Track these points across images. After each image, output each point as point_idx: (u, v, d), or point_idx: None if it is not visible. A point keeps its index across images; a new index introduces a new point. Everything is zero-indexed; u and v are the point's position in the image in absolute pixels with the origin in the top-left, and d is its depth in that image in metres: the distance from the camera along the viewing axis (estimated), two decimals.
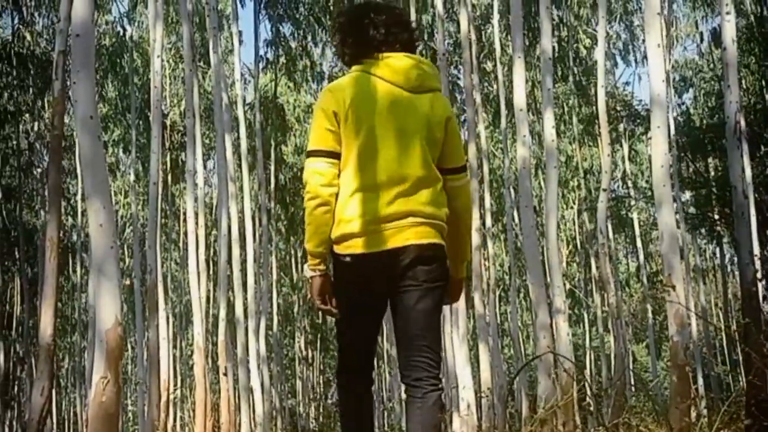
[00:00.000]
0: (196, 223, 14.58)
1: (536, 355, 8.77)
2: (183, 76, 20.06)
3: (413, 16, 17.19)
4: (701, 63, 25.08)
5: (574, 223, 27.25)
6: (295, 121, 26.95)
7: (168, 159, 24.83)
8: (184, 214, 20.99)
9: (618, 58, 26.54)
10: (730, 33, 8.12)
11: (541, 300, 9.02)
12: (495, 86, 21.53)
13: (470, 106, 14.13)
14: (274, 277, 25.43)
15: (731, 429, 6.53)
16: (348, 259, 3.24)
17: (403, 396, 3.36)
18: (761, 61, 19.16)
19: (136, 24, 24.69)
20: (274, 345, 24.26)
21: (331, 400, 32.49)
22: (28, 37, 20.81)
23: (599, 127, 14.66)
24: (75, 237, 26.12)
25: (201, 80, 20.83)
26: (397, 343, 3.32)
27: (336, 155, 3.24)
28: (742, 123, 10.55)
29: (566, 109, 23.81)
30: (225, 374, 13.49)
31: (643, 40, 16.98)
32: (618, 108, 23.28)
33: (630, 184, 27.02)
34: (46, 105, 21.63)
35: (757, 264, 9.02)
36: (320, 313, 3.46)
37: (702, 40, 23.70)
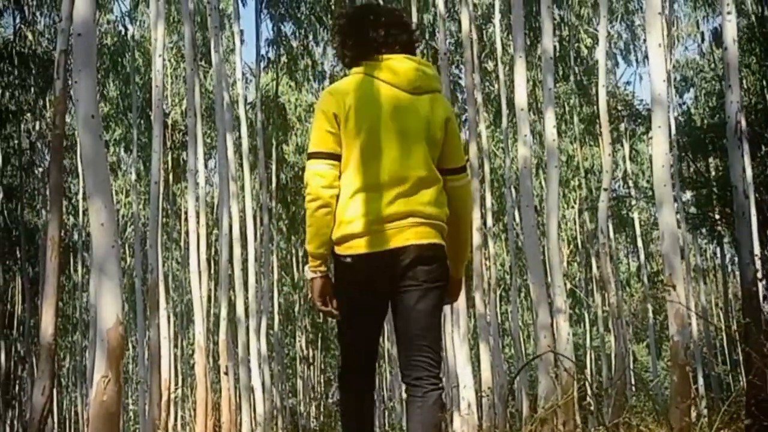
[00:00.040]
0: (198, 223, 14.59)
1: (537, 355, 8.78)
2: (184, 76, 20.06)
3: (415, 16, 17.20)
4: (702, 63, 25.09)
5: (574, 223, 27.25)
6: (296, 120, 26.96)
7: (169, 158, 24.85)
8: (186, 213, 21.01)
9: (619, 58, 26.58)
10: (731, 33, 8.13)
11: (542, 299, 9.03)
12: (496, 86, 21.53)
13: (471, 105, 14.13)
14: (275, 276, 25.44)
15: (731, 429, 6.53)
16: (349, 259, 3.26)
17: (404, 395, 3.37)
18: (762, 61, 19.16)
19: (138, 23, 24.73)
20: (275, 344, 24.27)
21: (332, 400, 32.51)
22: (30, 37, 20.81)
23: (600, 127, 14.67)
24: (76, 236, 26.14)
25: (202, 79, 20.83)
26: (397, 342, 3.33)
27: (336, 157, 3.26)
28: (743, 123, 10.56)
29: (567, 108, 23.81)
30: (226, 373, 13.51)
31: (644, 40, 16.99)
32: (619, 108, 23.27)
33: (631, 183, 27.02)
34: (47, 104, 21.63)
35: (758, 264, 9.03)
36: (321, 313, 3.47)
37: (703, 39, 23.71)
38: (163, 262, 21.44)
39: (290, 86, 26.75)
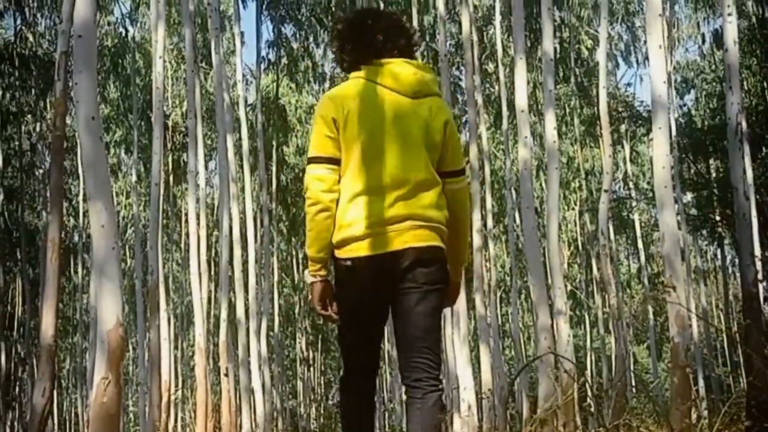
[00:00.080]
0: (198, 224, 14.59)
1: (537, 356, 8.77)
2: (185, 77, 20.05)
3: (415, 17, 17.22)
4: (703, 64, 25.10)
5: (575, 225, 27.25)
6: (296, 121, 26.98)
7: (170, 160, 24.86)
8: (186, 214, 21.01)
9: (619, 60, 26.61)
10: (731, 34, 8.13)
11: (542, 301, 9.02)
12: (496, 87, 21.54)
13: (472, 107, 14.13)
14: (276, 278, 25.44)
15: (732, 430, 6.53)
16: (349, 262, 3.27)
17: (404, 397, 3.38)
18: (763, 63, 19.16)
19: (138, 25, 24.74)
20: (275, 346, 24.27)
21: (332, 401, 32.52)
22: (31, 38, 20.82)
23: (601, 129, 14.67)
24: (76, 238, 26.14)
25: (203, 81, 20.84)
26: (397, 344, 3.34)
27: (336, 161, 3.28)
28: (744, 124, 10.56)
29: (568, 110, 23.81)
30: (226, 375, 13.50)
31: (645, 42, 17.00)
32: (619, 109, 23.26)
33: (631, 185, 27.03)
34: (48, 106, 21.63)
35: (758, 265, 9.02)
36: (321, 317, 3.48)
37: (704, 41, 23.71)
38: (163, 263, 21.44)
39: (291, 88, 26.77)
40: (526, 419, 13.55)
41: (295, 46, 23.79)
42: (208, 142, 23.46)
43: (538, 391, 8.81)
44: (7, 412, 24.60)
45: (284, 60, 23.75)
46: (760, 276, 8.35)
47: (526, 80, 9.80)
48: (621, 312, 18.20)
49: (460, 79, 22.28)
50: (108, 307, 4.84)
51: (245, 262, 16.33)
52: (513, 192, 18.95)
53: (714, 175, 20.76)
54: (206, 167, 22.69)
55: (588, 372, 25.16)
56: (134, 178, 22.04)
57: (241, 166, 17.43)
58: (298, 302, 31.54)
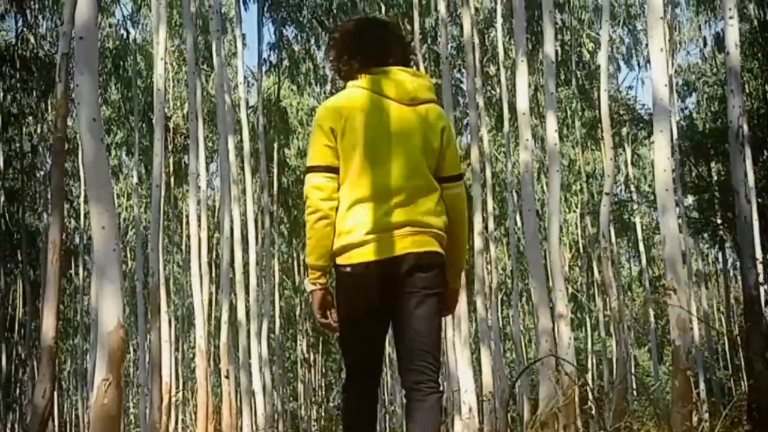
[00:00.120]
0: (199, 226, 14.60)
1: (538, 359, 8.77)
2: (186, 79, 20.09)
3: (416, 20, 17.24)
4: (704, 67, 25.10)
5: (576, 227, 27.25)
6: (297, 124, 26.99)
7: (171, 162, 24.87)
8: (187, 216, 20.99)
9: (621, 62, 26.61)
10: (733, 37, 8.14)
11: (543, 304, 9.02)
12: (498, 90, 21.54)
13: (473, 109, 14.14)
14: (276, 279, 25.45)
15: None
16: (348, 269, 3.29)
17: (404, 400, 3.38)
18: (764, 66, 19.16)
19: (140, 27, 24.75)
20: (275, 348, 24.27)
21: (333, 403, 32.51)
22: (32, 40, 20.85)
23: (602, 131, 14.66)
24: (77, 239, 26.15)
25: (204, 83, 20.85)
26: (396, 348, 3.35)
27: (335, 170, 3.31)
28: (745, 127, 10.54)
29: (569, 113, 23.83)
30: (227, 377, 13.51)
31: (646, 45, 17.00)
32: (621, 112, 23.27)
33: (632, 188, 27.04)
34: (49, 107, 21.65)
35: (759, 268, 9.01)
36: (321, 326, 3.51)
37: (705, 44, 23.74)
38: (164, 265, 21.43)
39: (292, 90, 26.78)
40: (527, 422, 13.53)
41: (296, 48, 23.81)
42: (210, 144, 23.47)
43: (539, 394, 8.80)
44: (8, 414, 24.62)
45: (285, 62, 23.77)
46: (761, 279, 8.34)
47: (527, 83, 9.81)
48: (622, 315, 18.18)
49: (462, 82, 22.29)
50: (109, 309, 4.84)
51: (246, 264, 16.33)
52: (514, 195, 18.94)
53: (715, 178, 20.75)
54: (207, 169, 22.72)
55: (589, 375, 25.15)
56: (135, 179, 22.04)
57: (242, 168, 17.44)
58: (299, 304, 31.55)
